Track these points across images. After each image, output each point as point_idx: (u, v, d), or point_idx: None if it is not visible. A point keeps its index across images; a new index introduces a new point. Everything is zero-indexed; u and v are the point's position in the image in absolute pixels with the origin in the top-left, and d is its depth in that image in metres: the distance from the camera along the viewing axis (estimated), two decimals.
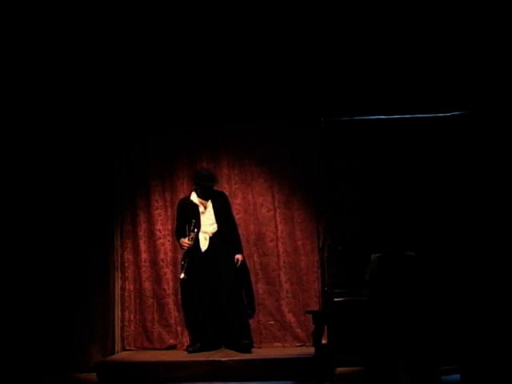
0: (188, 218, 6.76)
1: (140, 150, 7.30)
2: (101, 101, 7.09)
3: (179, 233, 6.83)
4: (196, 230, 6.70)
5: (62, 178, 6.99)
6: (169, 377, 6.19)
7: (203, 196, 6.81)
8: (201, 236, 6.76)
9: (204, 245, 6.75)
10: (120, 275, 7.19)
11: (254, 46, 6.95)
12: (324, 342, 6.10)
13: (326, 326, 6.07)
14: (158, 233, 7.24)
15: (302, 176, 7.08)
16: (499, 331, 5.18)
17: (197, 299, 6.71)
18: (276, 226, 7.10)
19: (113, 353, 6.93)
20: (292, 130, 7.10)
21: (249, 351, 6.55)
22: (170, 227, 7.22)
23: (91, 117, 7.07)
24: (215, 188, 6.90)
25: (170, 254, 7.20)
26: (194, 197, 6.85)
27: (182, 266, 6.70)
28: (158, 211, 7.26)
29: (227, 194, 7.12)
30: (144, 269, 7.20)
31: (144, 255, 7.22)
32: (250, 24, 6.87)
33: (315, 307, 6.77)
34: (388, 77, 6.81)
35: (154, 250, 7.21)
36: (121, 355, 6.93)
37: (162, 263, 7.19)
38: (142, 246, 7.23)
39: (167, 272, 7.17)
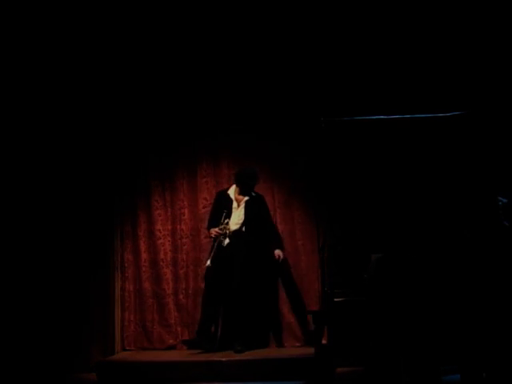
0: (221, 211, 6.73)
1: (140, 150, 7.29)
2: (101, 100, 7.09)
3: (210, 224, 6.79)
4: (227, 220, 6.66)
5: (62, 178, 6.99)
6: (169, 377, 6.18)
7: (240, 192, 6.79)
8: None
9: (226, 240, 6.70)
10: (120, 275, 7.19)
11: (254, 46, 6.96)
12: (324, 342, 6.11)
13: (326, 326, 6.07)
14: (158, 233, 7.24)
15: (302, 176, 7.08)
16: (499, 331, 5.18)
17: (211, 294, 6.66)
18: (276, 226, 7.09)
19: (113, 353, 6.92)
20: (292, 130, 7.10)
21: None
22: (169, 227, 7.23)
23: (91, 117, 7.07)
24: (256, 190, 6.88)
25: (169, 254, 7.20)
26: (231, 191, 6.83)
27: (210, 253, 6.63)
28: (158, 211, 7.27)
29: None
30: (144, 269, 7.21)
31: (144, 255, 7.22)
32: (250, 24, 6.88)
33: (315, 307, 6.77)
34: (388, 77, 6.81)
35: (153, 250, 7.22)
36: (121, 355, 6.93)
37: (162, 263, 7.19)
38: (142, 246, 7.24)
39: (167, 272, 7.18)
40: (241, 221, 6.73)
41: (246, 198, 6.79)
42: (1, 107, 6.87)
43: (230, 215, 6.72)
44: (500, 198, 5.36)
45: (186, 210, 7.24)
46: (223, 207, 6.75)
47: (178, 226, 7.22)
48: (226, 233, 6.67)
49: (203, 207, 7.20)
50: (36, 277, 6.82)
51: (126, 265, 7.24)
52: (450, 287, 5.39)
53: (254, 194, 6.81)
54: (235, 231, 6.70)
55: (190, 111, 7.18)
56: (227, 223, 6.67)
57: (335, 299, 5.88)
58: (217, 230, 6.66)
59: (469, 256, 5.28)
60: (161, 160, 7.29)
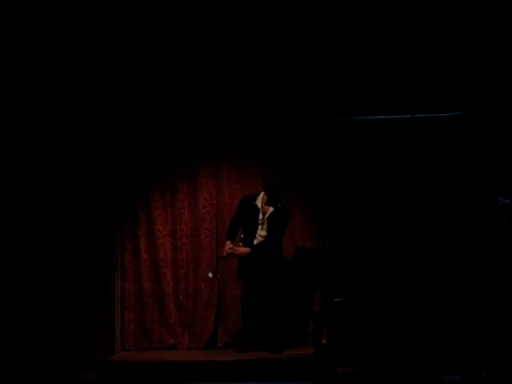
0: (246, 219, 6.65)
1: (140, 150, 7.29)
2: (100, 100, 7.10)
3: (231, 232, 6.70)
4: (242, 244, 6.60)
5: (63, 178, 6.99)
6: (169, 377, 6.19)
7: (268, 202, 6.63)
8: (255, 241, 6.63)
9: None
10: (120, 275, 7.18)
11: (254, 46, 6.97)
12: (324, 342, 6.11)
13: (326, 326, 6.07)
14: (157, 233, 7.24)
15: (302, 176, 7.07)
16: (499, 331, 5.19)
17: (247, 300, 6.67)
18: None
19: (113, 353, 6.92)
20: (292, 130, 7.10)
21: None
22: (169, 227, 7.23)
23: (93, 116, 7.07)
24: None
25: (169, 254, 7.20)
26: (259, 200, 6.67)
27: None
28: (157, 211, 7.26)
29: (227, 193, 7.15)
30: (144, 269, 7.21)
31: (144, 255, 7.22)
32: (251, 24, 6.89)
33: (315, 307, 6.76)
34: (388, 77, 6.81)
35: (154, 250, 7.21)
36: (121, 355, 6.93)
37: (161, 263, 7.19)
38: (142, 246, 7.23)
39: (167, 272, 7.18)
40: (265, 234, 6.62)
41: (271, 210, 6.64)
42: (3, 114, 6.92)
43: (255, 227, 6.61)
44: (500, 198, 5.36)
45: (186, 210, 7.24)
46: (249, 217, 6.63)
47: (178, 226, 7.22)
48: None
49: (203, 207, 7.20)
50: (36, 277, 6.82)
51: (126, 265, 7.23)
52: (449, 287, 5.39)
53: (279, 205, 6.64)
54: (259, 244, 6.61)
55: (190, 111, 7.18)
56: (241, 246, 6.61)
57: (335, 299, 5.89)
58: (231, 248, 6.56)
59: (470, 255, 5.29)
60: (161, 160, 7.28)
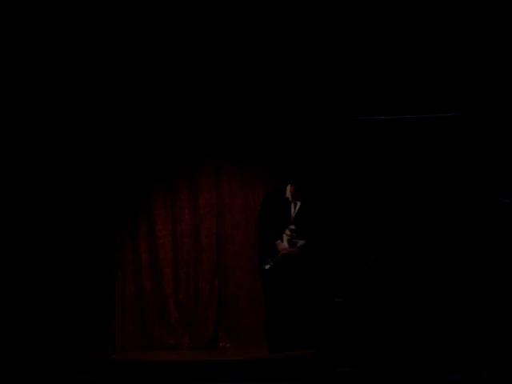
0: (279, 217, 6.54)
1: (140, 149, 7.30)
2: (100, 100, 7.11)
3: (274, 229, 6.55)
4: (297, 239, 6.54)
5: (63, 177, 6.99)
6: (169, 377, 6.19)
7: (295, 196, 6.58)
8: (284, 237, 6.58)
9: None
10: (120, 275, 7.19)
11: (254, 46, 6.97)
12: (324, 342, 6.11)
13: (326, 326, 6.07)
14: (158, 233, 7.24)
15: (302, 176, 7.06)
16: (499, 331, 5.19)
17: (276, 299, 6.55)
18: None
19: (113, 353, 6.92)
20: (292, 131, 7.10)
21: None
22: (170, 227, 7.23)
23: (93, 116, 7.08)
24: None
25: (170, 253, 7.20)
26: (288, 195, 6.61)
27: (271, 260, 6.47)
28: (157, 211, 7.26)
29: (228, 193, 7.16)
30: (144, 269, 7.21)
31: (144, 255, 7.22)
32: (251, 24, 6.90)
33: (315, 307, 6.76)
34: (388, 77, 6.82)
35: (154, 249, 7.21)
36: (121, 355, 6.92)
37: (162, 263, 7.19)
38: (142, 246, 7.23)
39: (167, 272, 7.18)
40: (294, 227, 6.57)
41: (299, 204, 6.59)
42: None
43: (286, 222, 6.54)
44: (501, 199, 5.36)
45: (187, 210, 7.24)
46: (281, 212, 6.54)
47: (179, 226, 7.21)
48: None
49: (203, 207, 7.20)
50: (37, 277, 6.82)
51: (126, 265, 7.23)
52: (450, 287, 5.40)
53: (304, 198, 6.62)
54: (291, 236, 6.57)
55: (190, 110, 7.18)
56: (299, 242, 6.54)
57: (335, 299, 5.89)
58: (286, 247, 6.49)
59: (470, 255, 5.29)
60: (161, 160, 7.28)
